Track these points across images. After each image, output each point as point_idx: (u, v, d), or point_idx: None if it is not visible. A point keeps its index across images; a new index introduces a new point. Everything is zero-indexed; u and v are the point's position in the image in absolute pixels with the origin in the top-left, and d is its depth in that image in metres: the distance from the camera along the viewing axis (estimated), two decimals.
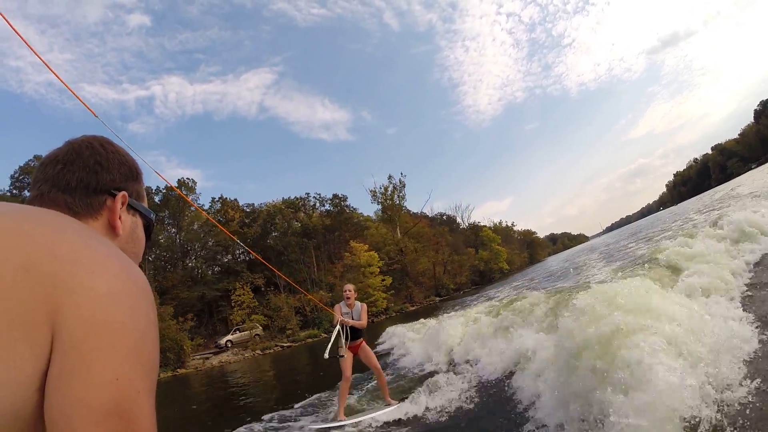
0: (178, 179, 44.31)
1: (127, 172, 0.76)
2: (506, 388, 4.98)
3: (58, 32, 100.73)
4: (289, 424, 6.41)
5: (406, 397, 5.88)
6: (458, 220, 75.87)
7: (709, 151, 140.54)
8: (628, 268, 8.10)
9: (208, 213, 43.34)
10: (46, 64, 2.34)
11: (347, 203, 52.25)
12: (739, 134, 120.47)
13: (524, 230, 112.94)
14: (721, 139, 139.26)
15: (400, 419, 5.33)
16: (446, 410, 5.24)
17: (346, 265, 38.41)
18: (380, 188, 53.92)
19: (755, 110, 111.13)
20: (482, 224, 76.08)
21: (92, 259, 0.54)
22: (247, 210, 46.59)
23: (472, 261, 59.30)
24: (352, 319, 5.97)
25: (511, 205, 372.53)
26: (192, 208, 41.10)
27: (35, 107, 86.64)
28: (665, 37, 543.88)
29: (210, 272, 41.70)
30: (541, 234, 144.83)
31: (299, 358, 20.42)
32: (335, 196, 52.01)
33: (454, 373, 6.38)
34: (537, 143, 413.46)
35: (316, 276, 41.52)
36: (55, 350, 0.48)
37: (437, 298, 44.52)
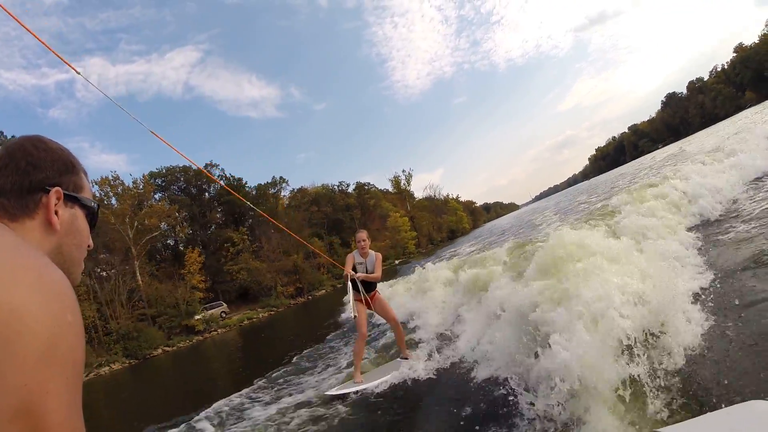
0: (274, 177, 69.02)
1: (62, 167, 0.79)
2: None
3: None
4: (298, 380, 6.51)
5: (425, 346, 5.59)
6: (415, 195, 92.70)
7: (626, 130, 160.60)
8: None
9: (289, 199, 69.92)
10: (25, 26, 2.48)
11: (368, 187, 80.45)
12: (648, 119, 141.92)
13: (467, 200, 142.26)
14: (646, 114, 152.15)
15: (415, 379, 4.79)
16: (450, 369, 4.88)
17: (388, 227, 66.64)
18: (393, 177, 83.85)
19: (662, 101, 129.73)
20: (432, 196, 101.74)
21: (8, 274, 0.58)
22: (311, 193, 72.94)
23: (447, 223, 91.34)
24: (366, 270, 5.18)
25: (443, 177, 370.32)
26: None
27: None
28: (593, 15, 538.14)
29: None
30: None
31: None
32: (359, 183, 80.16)
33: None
34: (466, 116, 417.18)
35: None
36: None
37: (431, 245, 74.71)
